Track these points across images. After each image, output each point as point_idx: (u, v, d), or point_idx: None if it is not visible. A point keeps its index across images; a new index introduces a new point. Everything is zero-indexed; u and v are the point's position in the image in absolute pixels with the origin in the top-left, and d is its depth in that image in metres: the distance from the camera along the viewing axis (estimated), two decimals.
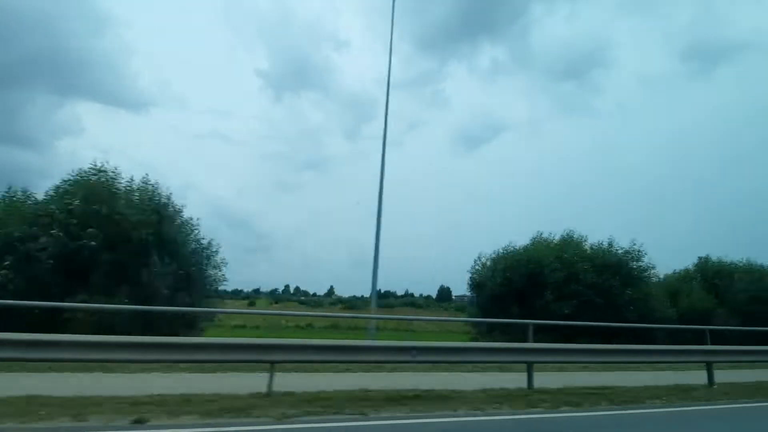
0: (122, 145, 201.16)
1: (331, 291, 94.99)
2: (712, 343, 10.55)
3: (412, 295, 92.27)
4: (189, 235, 16.20)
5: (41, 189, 16.59)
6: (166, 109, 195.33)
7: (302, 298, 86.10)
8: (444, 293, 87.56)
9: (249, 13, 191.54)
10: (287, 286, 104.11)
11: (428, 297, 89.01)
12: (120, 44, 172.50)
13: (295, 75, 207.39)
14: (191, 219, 16.50)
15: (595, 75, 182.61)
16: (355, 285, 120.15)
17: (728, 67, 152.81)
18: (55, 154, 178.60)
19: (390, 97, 16.09)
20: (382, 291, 78.39)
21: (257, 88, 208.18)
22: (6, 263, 12.48)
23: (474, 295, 23.52)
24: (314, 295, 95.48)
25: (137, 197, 15.28)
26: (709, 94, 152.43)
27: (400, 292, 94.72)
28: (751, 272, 24.29)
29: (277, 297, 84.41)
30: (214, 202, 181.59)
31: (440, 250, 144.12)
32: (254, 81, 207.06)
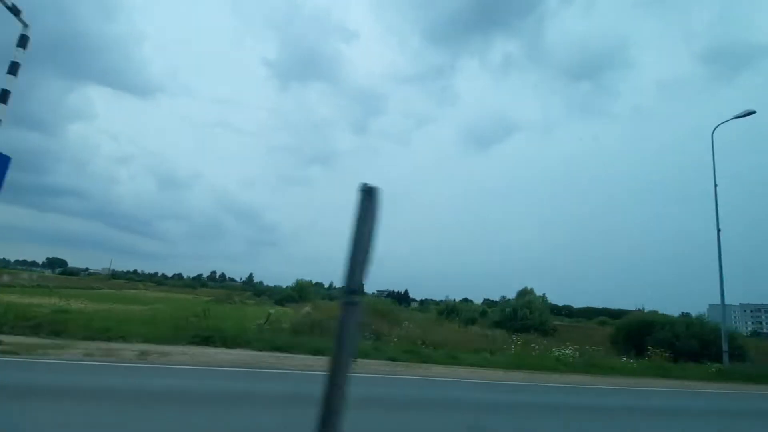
0: (132, 132, 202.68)
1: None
2: None
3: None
4: None
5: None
6: (175, 96, 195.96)
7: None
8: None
9: (258, 1, 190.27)
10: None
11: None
12: (132, 30, 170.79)
13: (303, 65, 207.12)
14: None
15: (610, 76, 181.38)
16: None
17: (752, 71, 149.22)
18: (66, 138, 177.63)
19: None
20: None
21: (263, 78, 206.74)
22: None
23: None
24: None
25: None
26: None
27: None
28: None
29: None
30: (221, 193, 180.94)
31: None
32: (261, 70, 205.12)
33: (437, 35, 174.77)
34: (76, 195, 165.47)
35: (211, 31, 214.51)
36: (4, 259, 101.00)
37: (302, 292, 49.95)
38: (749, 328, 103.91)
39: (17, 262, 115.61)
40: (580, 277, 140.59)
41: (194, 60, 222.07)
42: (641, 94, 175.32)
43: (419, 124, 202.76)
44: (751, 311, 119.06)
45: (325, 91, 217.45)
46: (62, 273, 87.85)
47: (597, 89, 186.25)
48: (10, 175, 3.77)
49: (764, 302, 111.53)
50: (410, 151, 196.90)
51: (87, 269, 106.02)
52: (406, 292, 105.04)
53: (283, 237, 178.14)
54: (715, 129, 16.89)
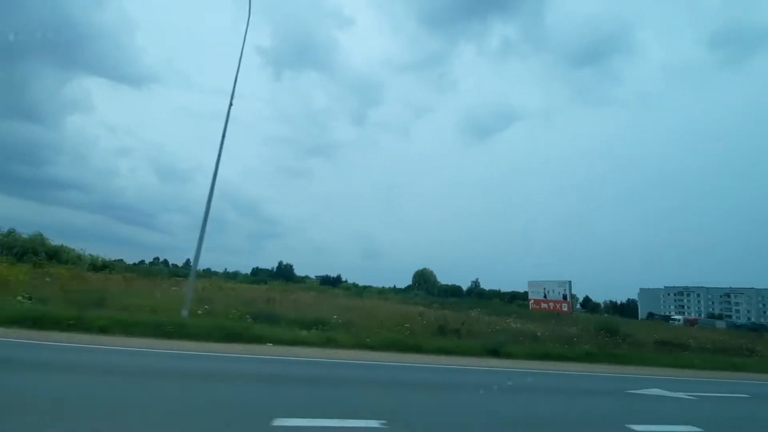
0: (130, 123, 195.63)
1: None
2: None
3: None
4: None
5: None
6: (171, 87, 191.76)
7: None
8: None
9: None
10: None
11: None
12: (122, 17, 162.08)
13: (297, 52, 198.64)
14: None
15: (615, 61, 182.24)
16: (366, 273, 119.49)
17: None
18: (65, 129, 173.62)
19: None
20: None
21: (256, 66, 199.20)
22: None
23: None
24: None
25: None
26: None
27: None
28: None
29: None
30: (221, 185, 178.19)
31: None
32: (255, 59, 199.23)
33: (434, 20, 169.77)
34: (77, 188, 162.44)
35: (205, 17, 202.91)
36: None
37: None
38: (672, 311, 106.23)
39: None
40: (515, 261, 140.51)
41: (189, 48, 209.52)
42: (647, 80, 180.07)
43: (418, 113, 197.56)
44: (675, 294, 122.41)
45: (321, 80, 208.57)
46: None
47: (600, 75, 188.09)
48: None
49: (687, 285, 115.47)
50: (410, 141, 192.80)
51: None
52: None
53: (286, 229, 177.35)
54: None
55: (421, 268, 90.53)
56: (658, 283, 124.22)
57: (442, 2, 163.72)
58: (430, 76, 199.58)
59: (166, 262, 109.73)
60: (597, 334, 16.54)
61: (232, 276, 73.39)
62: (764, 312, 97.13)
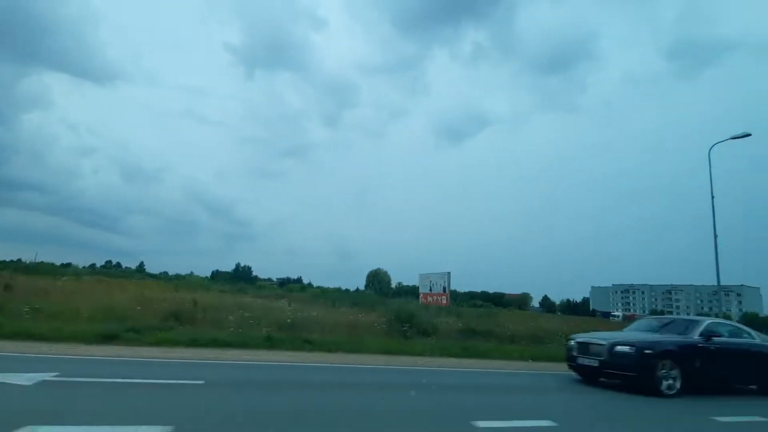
0: (91, 121, 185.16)
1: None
2: None
3: None
4: None
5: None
6: (137, 83, 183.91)
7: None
8: None
9: None
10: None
11: None
12: (86, 10, 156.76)
13: (269, 51, 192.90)
14: None
15: (579, 69, 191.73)
16: (335, 274, 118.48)
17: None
18: (21, 127, 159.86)
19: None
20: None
21: (227, 65, 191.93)
22: None
23: None
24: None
25: None
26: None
27: None
28: None
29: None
30: (192, 186, 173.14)
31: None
32: (224, 56, 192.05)
33: (407, 24, 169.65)
34: (33, 189, 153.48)
35: (172, 12, 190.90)
36: None
37: None
38: (619, 308, 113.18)
39: None
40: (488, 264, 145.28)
41: (156, 43, 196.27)
42: (609, 89, 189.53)
43: (392, 116, 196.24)
44: (621, 292, 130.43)
45: (295, 81, 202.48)
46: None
47: (565, 82, 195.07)
48: None
49: (633, 282, 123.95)
50: (385, 144, 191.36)
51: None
52: None
53: (259, 232, 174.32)
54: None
55: (375, 268, 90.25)
56: (610, 281, 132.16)
57: (416, 7, 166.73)
58: (404, 79, 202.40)
59: (119, 264, 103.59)
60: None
61: (183, 278, 70.03)
62: (702, 307, 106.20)
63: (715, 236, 15.59)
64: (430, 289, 25.97)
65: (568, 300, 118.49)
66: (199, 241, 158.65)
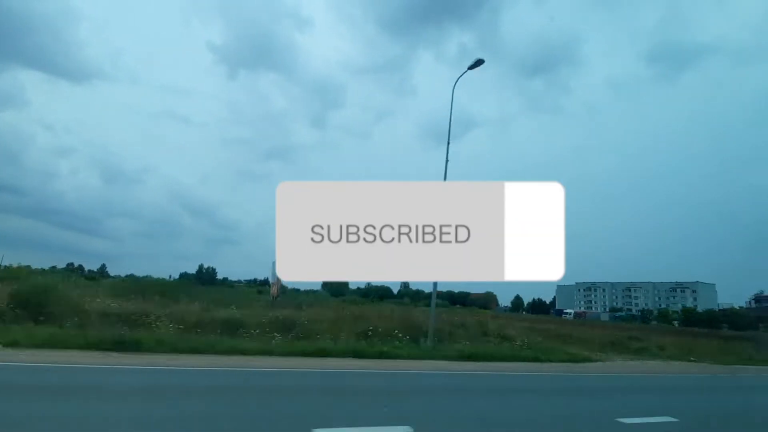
0: (69, 121, 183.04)
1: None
2: None
3: None
4: None
5: None
6: (116, 83, 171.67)
7: None
8: None
9: None
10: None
11: None
12: (64, 7, 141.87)
13: (252, 51, 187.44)
14: None
15: (563, 73, 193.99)
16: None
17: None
18: None
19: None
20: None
21: (209, 63, 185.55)
22: None
23: None
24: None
25: None
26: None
27: None
28: None
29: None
30: (175, 188, 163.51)
31: None
32: (205, 55, 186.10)
33: (392, 25, 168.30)
34: (6, 190, 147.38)
35: (152, 10, 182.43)
36: None
37: None
38: (582, 306, 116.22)
39: None
40: None
41: (137, 42, 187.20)
42: (592, 92, 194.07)
43: (379, 117, 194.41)
44: (584, 290, 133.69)
45: (279, 81, 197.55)
46: None
47: (550, 85, 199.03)
48: None
49: (596, 281, 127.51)
50: (371, 145, 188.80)
51: None
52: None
53: (244, 235, 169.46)
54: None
55: None
56: (574, 280, 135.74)
57: (400, 8, 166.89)
58: (391, 80, 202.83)
59: (81, 267, 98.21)
60: None
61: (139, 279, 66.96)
62: (660, 304, 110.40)
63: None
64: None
65: (533, 299, 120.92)
66: (180, 245, 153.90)
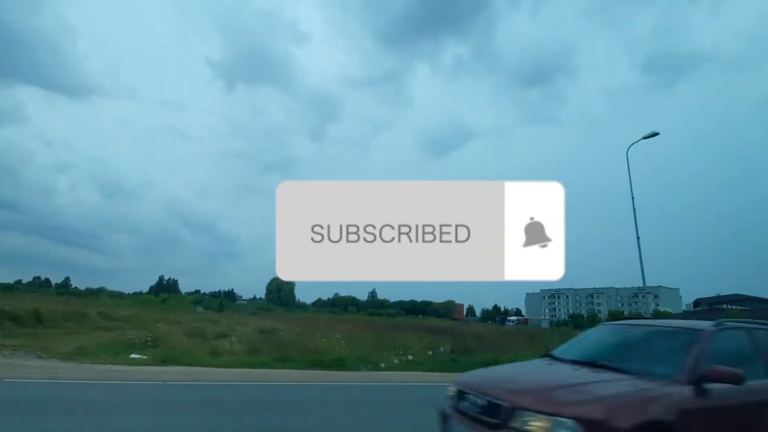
0: (67, 137, 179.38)
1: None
2: None
3: None
4: None
5: None
6: (115, 98, 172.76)
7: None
8: None
9: None
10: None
11: None
12: (61, 23, 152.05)
13: (250, 65, 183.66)
14: None
15: (559, 83, 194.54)
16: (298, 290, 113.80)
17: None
18: None
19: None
20: None
21: (208, 78, 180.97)
22: None
23: None
24: None
25: None
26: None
27: None
28: None
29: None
30: (173, 203, 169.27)
31: None
32: (204, 69, 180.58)
33: (389, 38, 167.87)
34: (6, 207, 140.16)
35: (150, 26, 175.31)
36: None
37: None
38: (546, 314, 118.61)
39: None
40: None
41: (135, 58, 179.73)
42: (588, 101, 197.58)
43: (377, 129, 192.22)
44: (548, 297, 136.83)
45: (277, 95, 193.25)
46: None
47: (546, 95, 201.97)
48: None
49: (560, 287, 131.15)
50: (369, 157, 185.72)
51: None
52: None
53: (244, 249, 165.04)
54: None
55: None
56: (540, 287, 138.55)
57: (396, 20, 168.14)
58: (387, 92, 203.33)
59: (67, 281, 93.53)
60: None
61: (94, 292, 64.10)
62: (623, 311, 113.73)
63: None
64: None
65: (497, 308, 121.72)
66: (179, 259, 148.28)
